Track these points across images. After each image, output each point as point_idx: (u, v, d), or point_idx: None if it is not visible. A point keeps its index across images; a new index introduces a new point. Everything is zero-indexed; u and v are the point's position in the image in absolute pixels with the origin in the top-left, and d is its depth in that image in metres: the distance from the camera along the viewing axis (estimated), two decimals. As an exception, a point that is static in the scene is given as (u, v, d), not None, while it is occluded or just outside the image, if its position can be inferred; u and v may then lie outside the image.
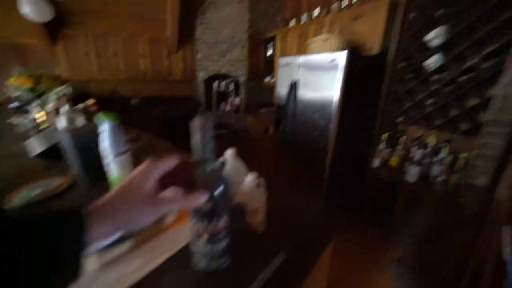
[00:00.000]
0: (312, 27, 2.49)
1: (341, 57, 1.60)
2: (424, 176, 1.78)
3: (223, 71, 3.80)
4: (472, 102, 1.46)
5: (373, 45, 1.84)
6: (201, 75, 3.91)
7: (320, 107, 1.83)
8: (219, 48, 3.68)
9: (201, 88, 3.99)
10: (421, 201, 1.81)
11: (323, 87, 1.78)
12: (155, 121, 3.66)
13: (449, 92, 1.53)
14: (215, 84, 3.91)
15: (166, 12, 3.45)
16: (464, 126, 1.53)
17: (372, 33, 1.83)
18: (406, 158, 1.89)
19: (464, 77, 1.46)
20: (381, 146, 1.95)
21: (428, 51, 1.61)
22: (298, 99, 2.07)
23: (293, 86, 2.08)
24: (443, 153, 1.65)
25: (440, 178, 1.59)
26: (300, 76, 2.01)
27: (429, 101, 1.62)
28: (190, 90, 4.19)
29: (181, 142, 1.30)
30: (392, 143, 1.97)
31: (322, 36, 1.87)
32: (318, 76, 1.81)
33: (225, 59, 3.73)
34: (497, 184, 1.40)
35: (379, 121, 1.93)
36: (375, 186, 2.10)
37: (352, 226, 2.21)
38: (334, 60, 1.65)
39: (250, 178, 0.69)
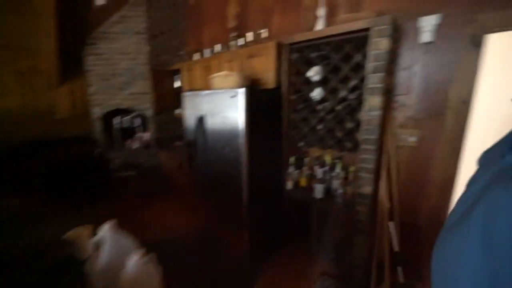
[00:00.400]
0: (215, 62, 2.56)
1: (241, 92, 1.67)
2: (328, 191, 2.00)
3: (124, 105, 3.39)
4: (350, 125, 1.78)
5: (269, 80, 2.03)
6: (97, 111, 3.35)
7: (229, 140, 1.83)
8: (117, 80, 3.30)
9: (97, 125, 3.40)
10: (328, 214, 2.02)
11: (229, 121, 1.79)
12: (38, 172, 2.81)
13: (332, 118, 1.82)
14: (117, 120, 3.42)
15: (39, 40, 2.86)
16: (348, 145, 1.83)
17: (266, 69, 2.03)
18: (312, 177, 2.10)
19: (340, 106, 1.77)
20: (291, 169, 2.10)
21: (312, 85, 1.90)
22: (207, 133, 2.01)
23: (201, 120, 2.02)
24: (338, 168, 1.92)
25: (339, 191, 1.81)
26: (207, 109, 1.98)
27: (320, 126, 1.88)
28: (83, 128, 3.51)
29: (79, 196, 0.98)
30: (299, 165, 2.16)
31: (223, 73, 1.93)
32: (223, 110, 1.83)
33: (125, 92, 3.35)
34: (377, 190, 1.70)
35: (285, 146, 2.10)
36: (292, 207, 2.22)
37: (279, 249, 2.24)
38: (235, 95, 1.70)
39: (135, 259, 0.54)
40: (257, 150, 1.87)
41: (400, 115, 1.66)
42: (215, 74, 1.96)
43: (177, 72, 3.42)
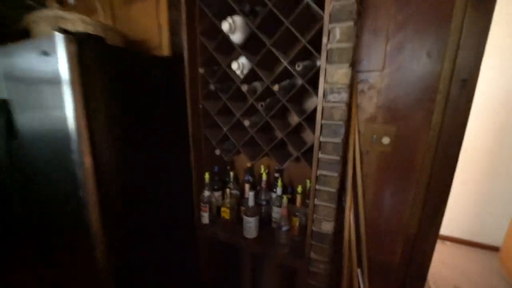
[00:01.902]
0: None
1: (64, 41, 0.73)
2: (265, 225, 1.28)
3: None
4: (296, 118, 1.08)
5: (158, 43, 1.14)
6: None
7: (54, 155, 0.85)
8: None
9: None
10: (266, 266, 1.30)
11: (52, 114, 0.81)
12: None
13: (268, 107, 1.08)
14: None
15: None
16: (293, 151, 1.14)
17: (152, 25, 1.12)
18: (240, 202, 1.34)
19: (280, 87, 1.04)
20: (206, 191, 1.29)
21: (234, 52, 1.10)
22: (20, 142, 0.96)
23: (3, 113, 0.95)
24: (278, 188, 1.21)
25: (283, 228, 1.10)
26: (12, 91, 0.93)
27: (248, 122, 1.11)
28: None
29: None
30: (219, 184, 1.37)
31: (51, 12, 0.93)
32: (39, 89, 0.83)
33: None
34: (342, 225, 1.06)
35: (195, 156, 1.25)
36: (211, 254, 1.42)
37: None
38: (49, 51, 0.74)
39: None
40: (130, 168, 0.97)
41: (368, 104, 1.05)
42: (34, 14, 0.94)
43: None
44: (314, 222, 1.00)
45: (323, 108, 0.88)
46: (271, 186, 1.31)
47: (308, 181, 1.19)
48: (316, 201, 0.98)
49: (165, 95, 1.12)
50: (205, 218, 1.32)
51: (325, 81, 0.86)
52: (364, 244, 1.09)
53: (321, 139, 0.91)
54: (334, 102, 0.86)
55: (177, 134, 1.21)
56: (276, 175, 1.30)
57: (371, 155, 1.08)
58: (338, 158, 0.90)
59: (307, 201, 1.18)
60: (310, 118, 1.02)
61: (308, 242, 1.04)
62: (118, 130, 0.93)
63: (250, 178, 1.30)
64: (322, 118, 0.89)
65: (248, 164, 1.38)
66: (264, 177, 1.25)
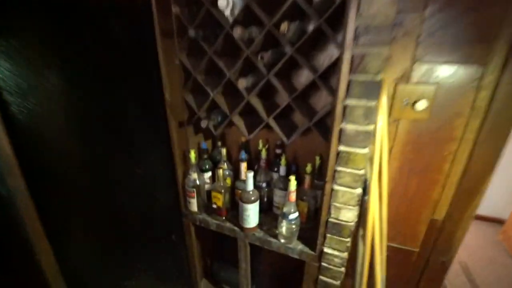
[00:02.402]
0: None
1: None
2: (266, 209, 1.07)
3: None
4: (307, 76, 0.81)
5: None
6: None
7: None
8: None
9: None
10: (269, 253, 1.12)
11: None
12: None
13: (270, 62, 0.80)
14: None
15: None
16: (301, 119, 0.89)
17: None
18: (235, 184, 1.11)
19: (288, 28, 0.75)
20: (192, 173, 1.04)
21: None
22: None
23: None
24: (281, 168, 0.98)
25: (290, 215, 0.90)
26: None
27: (244, 81, 0.83)
28: None
29: None
30: (209, 164, 1.12)
31: None
32: None
33: None
34: (366, 214, 0.86)
35: (173, 131, 0.98)
36: (204, 244, 1.22)
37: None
38: None
39: None
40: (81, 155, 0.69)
41: (401, 57, 0.78)
42: None
43: None
44: (331, 210, 0.79)
45: (352, 56, 0.62)
46: (271, 165, 1.08)
47: (317, 158, 0.97)
48: (335, 186, 0.75)
49: (129, 53, 0.80)
50: (193, 204, 1.09)
51: (358, 15, 0.58)
52: (386, 228, 0.91)
53: (348, 101, 0.66)
54: (370, 46, 0.59)
55: (150, 103, 0.92)
56: (278, 151, 1.06)
57: (399, 125, 0.85)
58: (369, 129, 0.66)
59: (316, 181, 0.97)
60: (325, 75, 0.76)
61: (321, 232, 0.84)
62: (62, 106, 0.63)
63: (246, 156, 1.06)
64: (350, 70, 0.63)
65: (243, 139, 1.12)
66: (263, 154, 1.00)
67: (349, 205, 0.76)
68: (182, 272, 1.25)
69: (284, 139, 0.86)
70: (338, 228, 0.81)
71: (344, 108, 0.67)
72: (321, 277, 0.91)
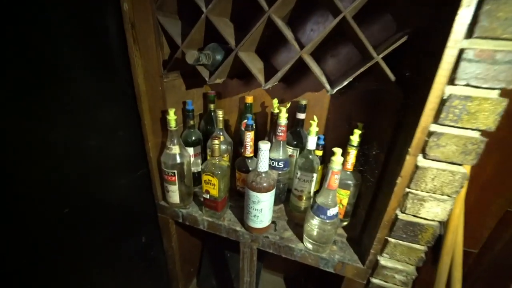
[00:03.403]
0: None
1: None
2: (280, 199, 0.75)
3: None
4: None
5: None
6: None
7: None
8: None
9: None
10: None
11: None
12: None
13: None
14: None
15: None
16: (336, 67, 0.56)
17: None
18: (237, 164, 0.76)
19: None
20: (172, 146, 0.67)
21: None
22: None
23: None
24: (311, 135, 0.65)
25: (330, 210, 0.57)
26: None
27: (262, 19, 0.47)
28: None
29: None
30: (196, 134, 0.76)
31: None
32: None
33: None
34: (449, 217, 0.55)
35: (139, 81, 0.60)
36: (188, 250, 0.88)
37: None
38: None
39: None
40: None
41: None
42: None
43: None
44: (406, 202, 0.48)
45: None
46: (288, 136, 0.74)
47: (360, 126, 0.65)
48: (424, 160, 0.43)
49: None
50: (174, 193, 0.73)
51: None
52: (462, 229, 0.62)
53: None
54: None
55: (94, 26, 0.53)
56: (300, 116, 0.72)
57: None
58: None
59: (362, 159, 0.65)
60: None
61: (379, 236, 0.53)
62: None
63: (253, 124, 0.70)
64: None
65: (248, 99, 0.76)
66: (282, 118, 0.65)
67: (443, 194, 0.45)
68: None
69: (327, 86, 0.52)
70: (414, 230, 0.50)
71: (475, 19, 0.33)
72: (370, 300, 0.60)
